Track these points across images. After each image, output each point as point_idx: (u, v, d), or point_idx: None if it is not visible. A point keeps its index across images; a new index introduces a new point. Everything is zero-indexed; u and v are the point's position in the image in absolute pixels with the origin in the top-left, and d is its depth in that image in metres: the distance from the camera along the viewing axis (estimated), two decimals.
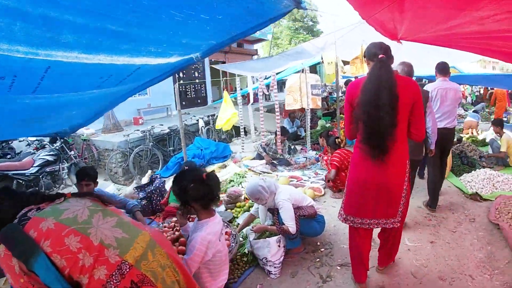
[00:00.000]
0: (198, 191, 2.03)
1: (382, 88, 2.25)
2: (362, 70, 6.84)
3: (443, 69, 4.22)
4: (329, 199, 4.86)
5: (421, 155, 3.92)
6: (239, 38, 2.12)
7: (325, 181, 5.27)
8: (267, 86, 6.54)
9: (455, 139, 7.37)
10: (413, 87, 2.42)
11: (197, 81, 15.34)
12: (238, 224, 3.98)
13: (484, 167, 6.02)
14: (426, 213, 4.29)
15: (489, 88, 16.50)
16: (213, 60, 16.29)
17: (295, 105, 6.77)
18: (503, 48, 2.77)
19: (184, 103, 14.49)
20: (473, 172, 5.66)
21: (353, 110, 2.45)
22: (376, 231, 2.87)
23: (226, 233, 3.07)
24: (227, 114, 6.57)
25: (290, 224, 3.04)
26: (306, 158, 6.68)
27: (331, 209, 4.50)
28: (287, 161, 6.49)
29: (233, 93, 7.95)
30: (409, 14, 2.44)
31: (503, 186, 5.03)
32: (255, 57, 19.82)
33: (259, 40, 20.77)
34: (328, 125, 9.52)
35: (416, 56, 7.55)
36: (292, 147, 7.52)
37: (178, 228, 3.25)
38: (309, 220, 3.31)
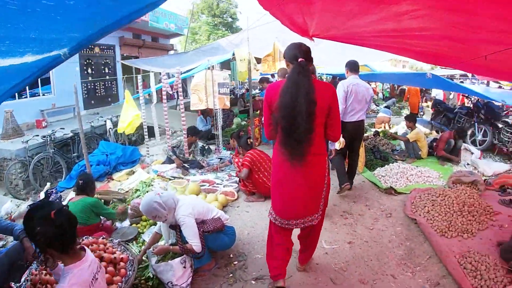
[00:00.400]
0: (46, 234, 1.64)
1: (300, 94, 2.24)
2: (274, 68, 6.80)
3: (353, 67, 4.53)
4: (242, 204, 4.64)
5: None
6: (112, 29, 1.79)
7: (238, 182, 5.09)
8: (171, 85, 6.12)
9: (372, 133, 7.80)
10: (329, 91, 2.46)
11: (107, 77, 14.15)
12: (144, 240, 3.59)
13: (396, 160, 6.34)
14: (342, 211, 4.29)
15: (396, 85, 17.95)
16: (125, 54, 15.15)
17: (200, 105, 6.43)
18: (416, 47, 2.79)
19: (92, 102, 13.30)
20: (386, 166, 5.90)
21: (272, 113, 2.41)
22: (296, 232, 2.82)
23: (122, 259, 2.68)
24: (129, 116, 6.01)
25: (194, 242, 2.77)
26: (221, 158, 6.44)
27: (244, 214, 4.30)
28: (199, 163, 6.15)
29: (145, 90, 7.40)
30: (318, 6, 2.28)
31: (416, 179, 5.32)
32: (171, 52, 19.04)
33: (176, 35, 19.92)
34: (244, 122, 9.35)
35: (330, 54, 7.79)
36: (206, 147, 7.20)
37: None
38: (217, 234, 3.06)
